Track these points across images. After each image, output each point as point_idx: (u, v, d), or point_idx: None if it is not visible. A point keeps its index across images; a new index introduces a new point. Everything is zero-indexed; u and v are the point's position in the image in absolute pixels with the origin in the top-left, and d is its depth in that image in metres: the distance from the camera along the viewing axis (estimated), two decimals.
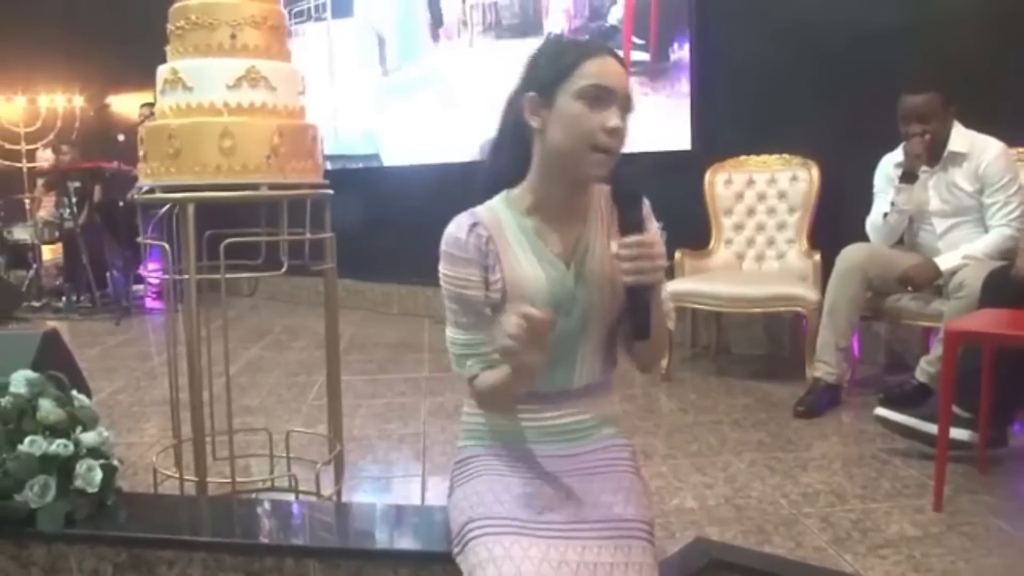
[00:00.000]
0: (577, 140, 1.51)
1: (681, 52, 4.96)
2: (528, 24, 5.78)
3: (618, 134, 1.51)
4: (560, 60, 1.56)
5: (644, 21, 5.11)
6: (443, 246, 1.62)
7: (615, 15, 5.27)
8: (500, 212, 1.64)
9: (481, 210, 1.65)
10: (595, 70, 1.52)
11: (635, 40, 5.17)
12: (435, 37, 6.39)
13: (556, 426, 1.65)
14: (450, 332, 1.64)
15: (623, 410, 1.80)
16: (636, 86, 5.11)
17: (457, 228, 1.62)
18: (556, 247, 1.62)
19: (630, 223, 1.49)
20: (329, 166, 6.76)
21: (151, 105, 7.27)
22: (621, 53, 5.29)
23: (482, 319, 1.60)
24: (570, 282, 1.60)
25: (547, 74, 1.56)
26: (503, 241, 1.61)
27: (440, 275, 1.63)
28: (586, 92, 1.51)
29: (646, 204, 1.62)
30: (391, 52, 6.72)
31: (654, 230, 1.65)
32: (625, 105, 1.53)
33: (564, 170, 1.57)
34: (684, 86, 4.95)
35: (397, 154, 6.71)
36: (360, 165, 6.96)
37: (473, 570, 1.44)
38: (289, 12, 6.46)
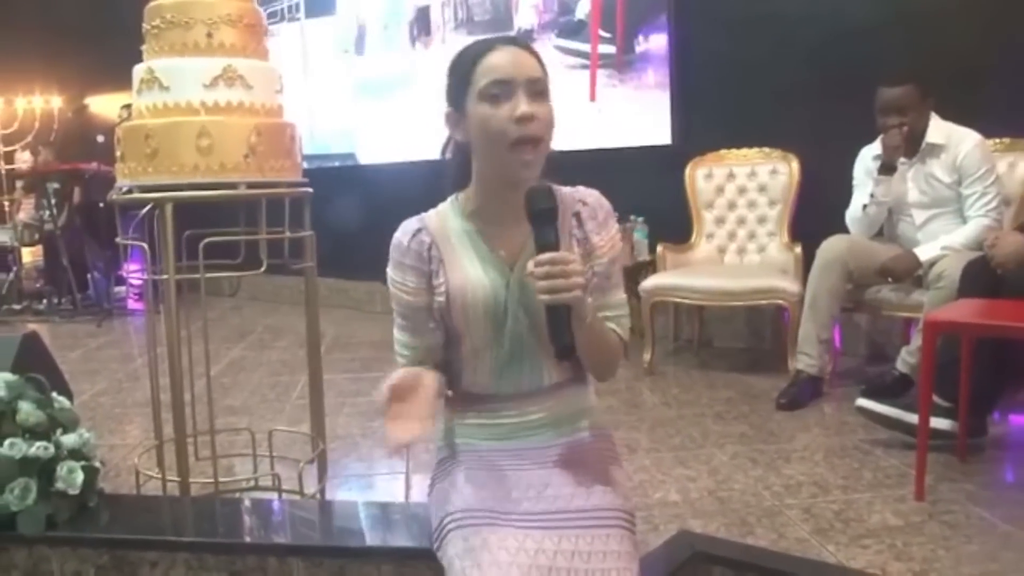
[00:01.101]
0: (494, 141, 1.50)
1: (648, 44, 5.01)
2: (499, 20, 5.80)
3: (529, 120, 1.48)
4: (459, 69, 1.56)
5: (611, 14, 5.16)
6: (390, 249, 1.65)
7: (583, 9, 5.32)
8: (447, 216, 1.65)
9: (430, 215, 1.66)
10: (488, 67, 1.51)
11: (602, 34, 5.22)
12: (409, 35, 6.40)
13: (532, 421, 1.65)
14: (394, 330, 1.68)
15: (606, 404, 1.80)
16: (604, 78, 5.19)
17: (402, 233, 1.64)
18: (500, 251, 1.62)
19: (544, 240, 1.44)
20: (306, 166, 6.74)
21: (130, 107, 7.25)
22: (588, 47, 5.31)
23: (417, 322, 1.64)
24: (514, 286, 1.59)
25: (453, 85, 1.57)
26: (447, 245, 1.62)
27: (387, 274, 1.66)
28: (485, 92, 1.50)
29: (604, 207, 1.63)
30: (366, 50, 6.72)
31: (613, 232, 1.65)
32: (533, 88, 1.50)
33: (495, 175, 1.57)
34: (651, 78, 5.01)
35: (373, 153, 6.71)
36: (336, 164, 6.95)
37: (452, 562, 1.44)
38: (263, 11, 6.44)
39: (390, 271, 1.65)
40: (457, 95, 1.55)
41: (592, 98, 5.27)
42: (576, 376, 1.70)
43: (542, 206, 1.47)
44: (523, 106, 1.48)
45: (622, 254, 1.67)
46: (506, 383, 1.63)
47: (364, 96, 6.73)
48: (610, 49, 5.20)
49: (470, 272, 1.60)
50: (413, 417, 1.48)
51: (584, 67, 5.31)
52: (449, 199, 1.68)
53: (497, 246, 1.62)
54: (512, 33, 5.53)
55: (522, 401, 1.65)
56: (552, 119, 1.52)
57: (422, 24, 6.31)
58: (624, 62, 5.14)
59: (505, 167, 1.52)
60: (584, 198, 1.66)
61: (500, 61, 1.51)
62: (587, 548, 1.46)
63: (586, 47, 5.29)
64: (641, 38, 5.05)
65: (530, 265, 1.43)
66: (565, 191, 1.64)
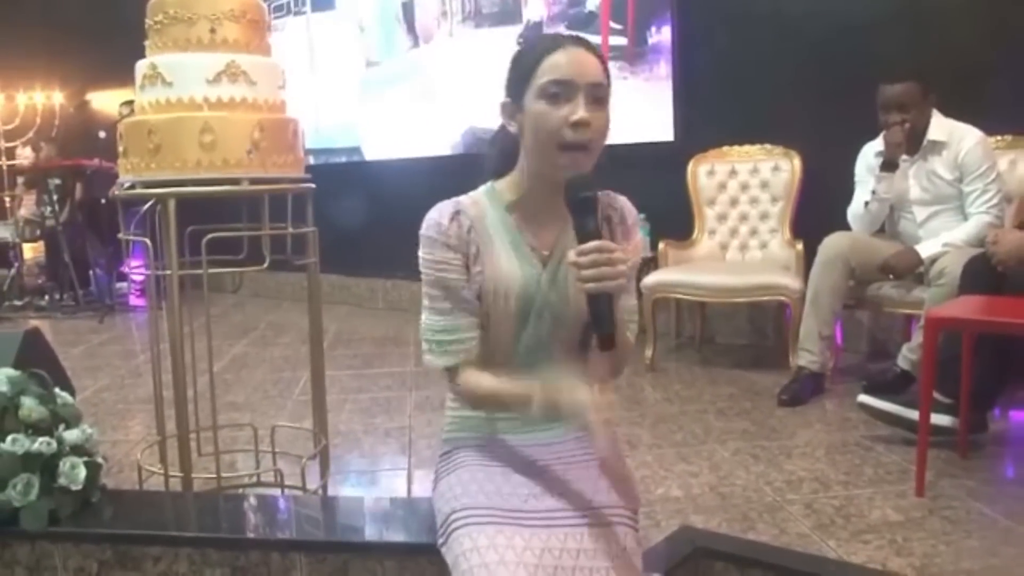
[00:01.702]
0: (544, 140, 1.50)
1: (659, 36, 4.98)
2: (507, 12, 5.75)
3: (585, 126, 1.48)
4: (522, 61, 1.55)
5: (622, 6, 5.13)
6: (424, 230, 1.60)
7: (593, 1, 5.28)
8: (483, 203, 1.64)
9: (464, 199, 1.64)
10: (553, 65, 1.50)
11: (613, 25, 5.19)
12: (415, 28, 6.37)
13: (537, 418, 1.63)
14: (428, 319, 1.62)
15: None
16: (615, 71, 5.16)
17: (439, 214, 1.61)
18: (535, 245, 1.62)
19: (586, 230, 1.45)
20: (311, 160, 6.74)
21: (131, 103, 7.26)
22: (598, 39, 5.26)
23: (462, 305, 1.60)
24: (544, 281, 1.60)
25: (514, 77, 1.56)
26: (484, 232, 1.61)
27: (420, 260, 1.61)
28: (546, 90, 1.50)
29: (632, 214, 1.63)
30: (372, 44, 6.70)
31: (637, 240, 1.67)
32: (594, 94, 1.50)
33: (541, 171, 1.56)
34: (662, 69, 4.98)
35: (379, 147, 6.69)
36: (343, 159, 6.94)
37: (457, 560, 1.44)
38: (268, 7, 6.43)
39: (427, 253, 1.60)
40: (517, 87, 1.55)
41: None
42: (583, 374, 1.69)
43: (583, 194, 1.47)
44: (581, 111, 1.48)
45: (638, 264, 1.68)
46: (522, 376, 1.60)
47: (370, 90, 6.71)
48: (621, 41, 5.16)
49: (505, 263, 1.59)
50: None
51: None
52: (484, 187, 1.67)
53: (532, 239, 1.62)
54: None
55: None
56: (606, 127, 1.52)
57: (422, 17, 6.30)
58: (635, 54, 5.10)
59: (552, 167, 1.52)
60: (614, 203, 1.67)
61: (566, 61, 1.50)
62: (592, 546, 1.47)
63: (596, 39, 5.24)
64: (653, 30, 5.00)
65: (571, 255, 1.43)
66: (599, 194, 1.63)
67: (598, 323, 1.44)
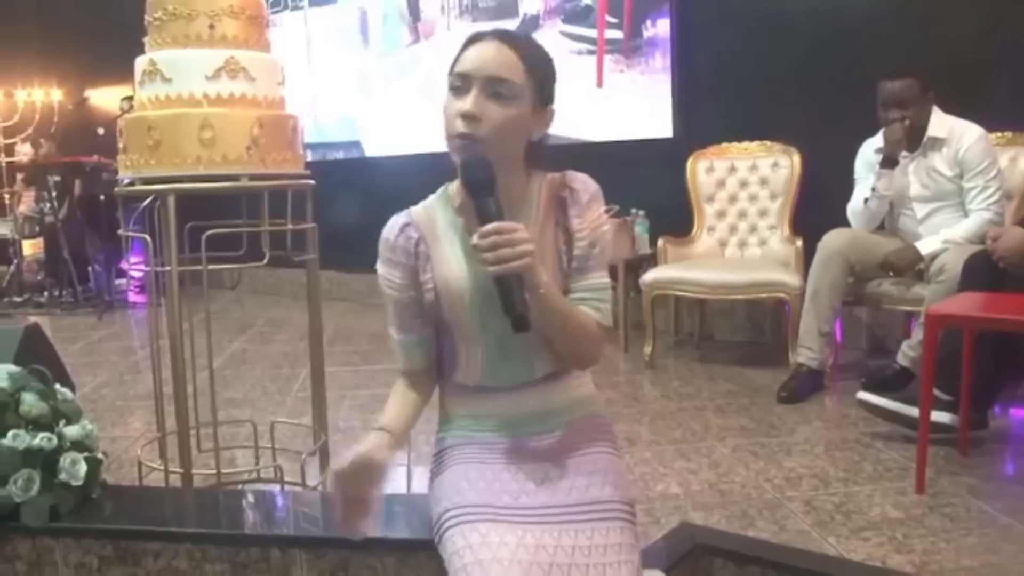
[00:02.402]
0: (446, 131, 1.53)
1: (655, 30, 4.99)
2: (504, 6, 5.77)
3: (471, 119, 1.48)
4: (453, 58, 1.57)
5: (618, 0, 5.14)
6: (379, 245, 1.65)
7: None
8: (435, 209, 1.64)
9: (417, 209, 1.65)
10: (461, 58, 1.53)
11: (609, 19, 5.20)
12: (414, 22, 6.37)
13: (526, 413, 1.63)
14: (389, 329, 1.70)
15: (606, 397, 1.79)
16: (610, 63, 5.18)
17: (389, 230, 1.63)
18: None
19: (484, 212, 1.43)
20: (310, 154, 6.72)
21: (131, 98, 7.25)
22: (594, 33, 5.23)
23: (405, 318, 1.65)
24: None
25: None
26: (434, 239, 1.61)
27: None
28: (451, 83, 1.53)
29: (589, 189, 1.61)
30: (372, 38, 6.69)
31: (595, 214, 1.62)
32: (492, 88, 1.49)
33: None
34: (658, 62, 4.99)
35: (378, 142, 6.68)
36: (341, 153, 6.95)
37: (451, 559, 1.44)
38: (266, 2, 6.43)
39: (379, 267, 1.65)
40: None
41: (599, 84, 5.24)
42: (568, 367, 1.67)
43: (476, 176, 1.48)
44: (468, 104, 1.48)
45: (606, 238, 1.62)
46: (498, 375, 1.61)
47: (369, 84, 6.70)
48: (617, 35, 5.18)
49: (455, 266, 1.59)
50: (363, 506, 1.55)
51: (591, 53, 5.28)
52: (439, 190, 1.67)
53: None
54: (513, 24, 5.52)
55: (515, 393, 1.63)
56: (505, 123, 1.49)
57: (417, 6, 6.29)
58: (631, 48, 5.11)
59: (454, 157, 1.53)
60: (571, 183, 1.63)
61: (471, 54, 1.52)
62: (587, 542, 1.46)
63: (592, 33, 5.25)
64: (649, 23, 5.02)
65: (474, 238, 1.42)
66: (554, 177, 1.63)
67: (506, 304, 1.41)
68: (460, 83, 1.51)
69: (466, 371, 1.65)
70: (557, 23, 5.47)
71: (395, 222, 1.64)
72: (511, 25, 5.60)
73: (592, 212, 1.61)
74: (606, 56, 5.23)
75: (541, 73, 1.54)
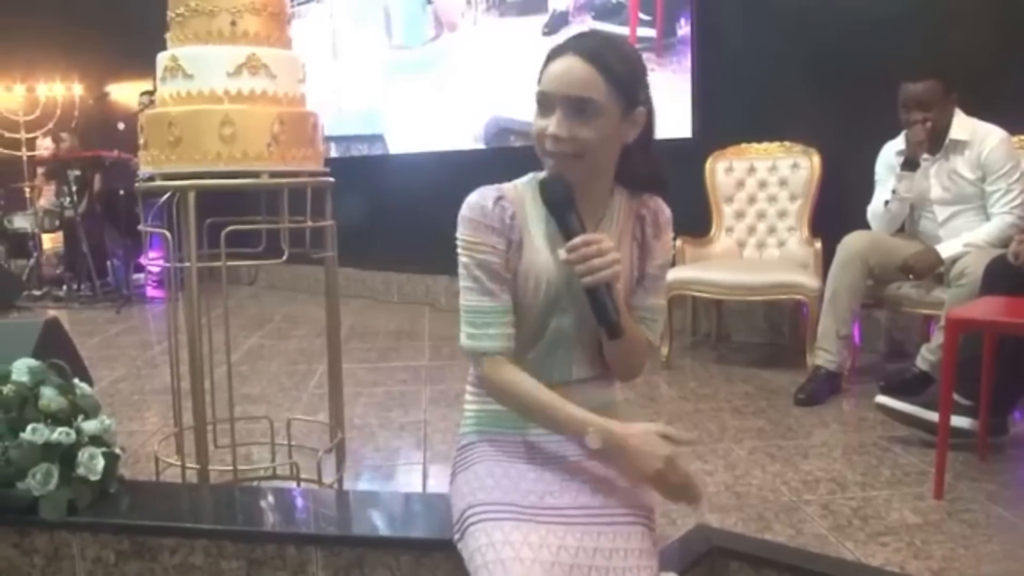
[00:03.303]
0: (536, 144, 1.56)
1: (688, 28, 4.94)
2: (532, 2, 5.70)
3: (557, 140, 1.50)
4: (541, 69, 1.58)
5: None
6: (465, 212, 1.59)
7: None
8: (524, 192, 1.64)
9: (507, 186, 1.64)
10: (545, 74, 1.54)
11: (642, 16, 5.14)
12: (439, 16, 6.34)
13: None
14: (470, 300, 1.59)
15: (623, 397, 1.79)
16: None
17: (482, 197, 1.60)
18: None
19: (567, 227, 1.50)
20: (334, 148, 6.73)
21: (150, 93, 7.29)
22: (626, 31, 5.19)
23: (504, 289, 1.59)
24: (573, 278, 1.56)
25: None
26: (524, 220, 1.61)
27: (460, 242, 1.60)
28: (537, 98, 1.54)
29: (664, 214, 1.67)
30: (396, 31, 6.67)
31: (666, 239, 1.68)
32: (574, 107, 1.50)
33: None
34: (690, 62, 4.94)
35: (401, 135, 6.65)
36: (364, 146, 6.93)
37: (473, 555, 1.44)
38: None
39: (470, 236, 1.58)
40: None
41: None
42: (602, 373, 1.69)
43: (555, 197, 1.53)
44: (552, 126, 1.51)
45: (670, 264, 1.70)
46: (537, 372, 1.61)
47: (393, 78, 6.69)
48: (650, 32, 5.11)
49: (541, 252, 1.59)
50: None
51: None
52: (527, 176, 1.67)
53: None
54: (540, 20, 5.49)
55: (547, 389, 1.62)
56: (591, 140, 1.51)
57: (451, 4, 6.26)
58: (664, 46, 5.04)
59: (545, 167, 1.58)
60: (648, 203, 1.68)
61: (551, 71, 1.53)
62: (608, 545, 1.47)
63: (624, 30, 5.17)
64: (683, 21, 4.95)
65: (562, 253, 1.48)
66: (633, 196, 1.67)
67: (599, 313, 1.49)
68: (543, 101, 1.53)
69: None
70: (587, 20, 5.39)
71: (487, 192, 1.61)
72: (539, 21, 5.57)
73: (667, 236, 1.69)
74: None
75: (625, 80, 1.53)
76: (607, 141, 1.54)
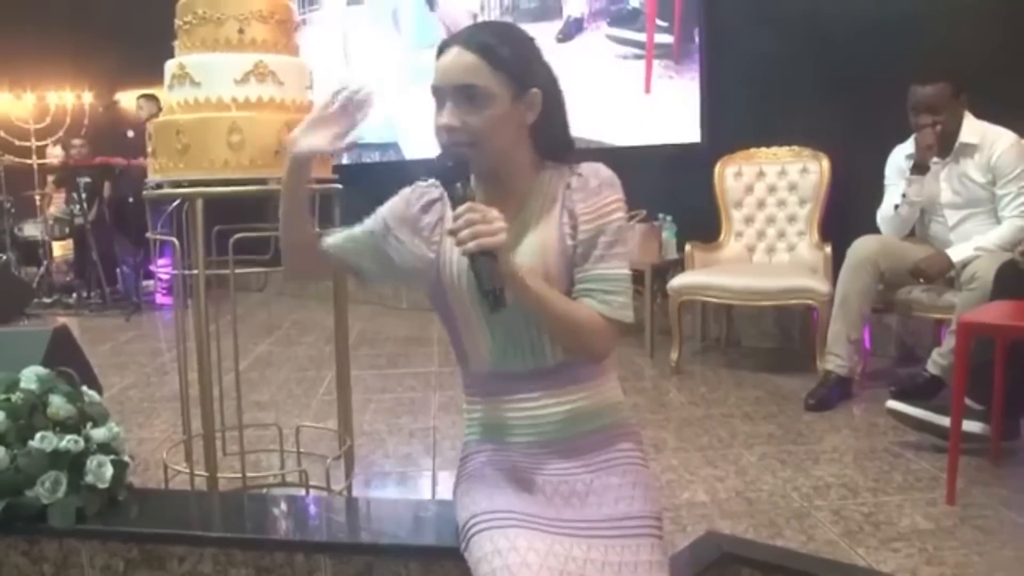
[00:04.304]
0: (437, 143, 1.57)
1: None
2: (547, 8, 5.67)
3: (450, 130, 1.52)
4: None
5: (668, 2, 5.03)
6: (397, 196, 1.75)
7: None
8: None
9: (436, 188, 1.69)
10: (435, 71, 1.56)
11: (659, 23, 5.10)
12: (445, 24, 6.30)
13: (553, 414, 1.60)
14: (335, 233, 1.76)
15: (632, 403, 1.77)
16: (660, 69, 5.06)
17: (416, 196, 1.71)
18: None
19: (455, 195, 1.46)
20: (345, 156, 6.71)
21: (147, 97, 7.31)
22: (643, 37, 5.13)
23: (367, 247, 1.71)
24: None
25: None
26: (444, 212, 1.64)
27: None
28: (432, 96, 1.57)
29: (600, 176, 1.59)
30: (408, 36, 6.65)
31: (607, 200, 1.57)
32: (464, 94, 1.51)
33: None
34: (698, 66, 4.93)
35: (416, 144, 6.59)
36: (377, 155, 6.91)
37: (479, 564, 1.41)
38: (297, 2, 6.43)
39: (385, 209, 1.73)
40: None
41: (647, 90, 5.13)
42: (578, 358, 1.61)
43: (440, 166, 1.52)
44: (444, 117, 1.53)
45: (617, 227, 1.56)
46: (509, 361, 1.59)
47: (404, 84, 6.61)
48: (667, 39, 5.07)
49: (456, 251, 1.53)
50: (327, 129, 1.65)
51: (638, 58, 5.18)
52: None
53: None
54: (555, 26, 5.46)
55: (531, 380, 1.60)
56: (484, 126, 1.51)
57: (454, 7, 6.24)
58: (682, 52, 5.00)
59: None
60: (578, 169, 1.61)
61: (439, 66, 1.56)
62: (617, 559, 1.45)
63: (640, 36, 5.15)
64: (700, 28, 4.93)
65: (448, 225, 1.46)
66: (563, 167, 1.63)
67: (481, 281, 1.40)
68: (436, 95, 1.55)
69: (477, 358, 1.64)
70: (602, 26, 5.36)
71: (429, 194, 1.70)
72: (553, 27, 5.53)
73: (601, 198, 1.57)
74: (655, 61, 5.10)
75: (512, 63, 1.53)
76: (501, 125, 1.53)
